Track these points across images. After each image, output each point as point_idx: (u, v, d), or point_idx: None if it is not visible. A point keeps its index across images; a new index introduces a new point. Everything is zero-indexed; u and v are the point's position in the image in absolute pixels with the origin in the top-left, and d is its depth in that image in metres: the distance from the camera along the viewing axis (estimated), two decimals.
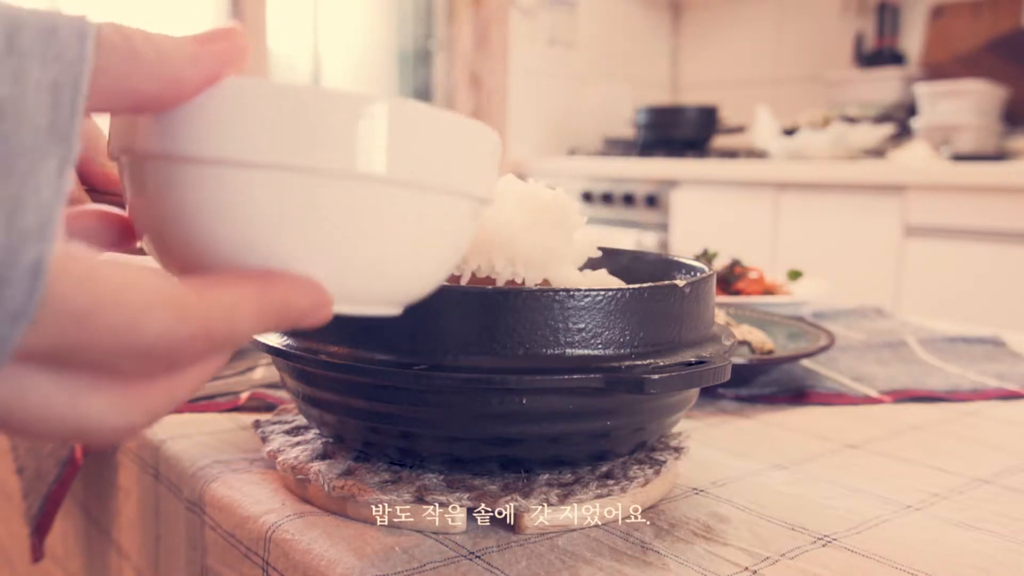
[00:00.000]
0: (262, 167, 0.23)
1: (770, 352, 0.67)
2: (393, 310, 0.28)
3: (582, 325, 0.36)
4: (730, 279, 0.93)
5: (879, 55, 2.49)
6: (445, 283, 0.34)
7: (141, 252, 0.28)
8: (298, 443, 0.43)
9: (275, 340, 0.39)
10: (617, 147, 2.72)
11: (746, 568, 0.35)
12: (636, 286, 0.38)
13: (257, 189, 0.23)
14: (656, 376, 0.35)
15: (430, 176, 0.26)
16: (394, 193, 0.25)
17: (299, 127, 0.23)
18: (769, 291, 0.93)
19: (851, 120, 2.31)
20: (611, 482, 0.39)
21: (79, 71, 0.19)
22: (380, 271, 0.26)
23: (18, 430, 0.21)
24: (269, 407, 0.54)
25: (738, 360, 0.60)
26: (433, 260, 0.28)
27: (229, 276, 0.23)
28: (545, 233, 0.41)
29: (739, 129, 2.51)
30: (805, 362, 0.70)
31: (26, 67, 0.19)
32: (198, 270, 0.25)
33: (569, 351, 0.36)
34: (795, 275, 0.99)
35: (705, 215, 2.31)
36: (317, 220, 0.24)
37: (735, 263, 0.95)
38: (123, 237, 0.29)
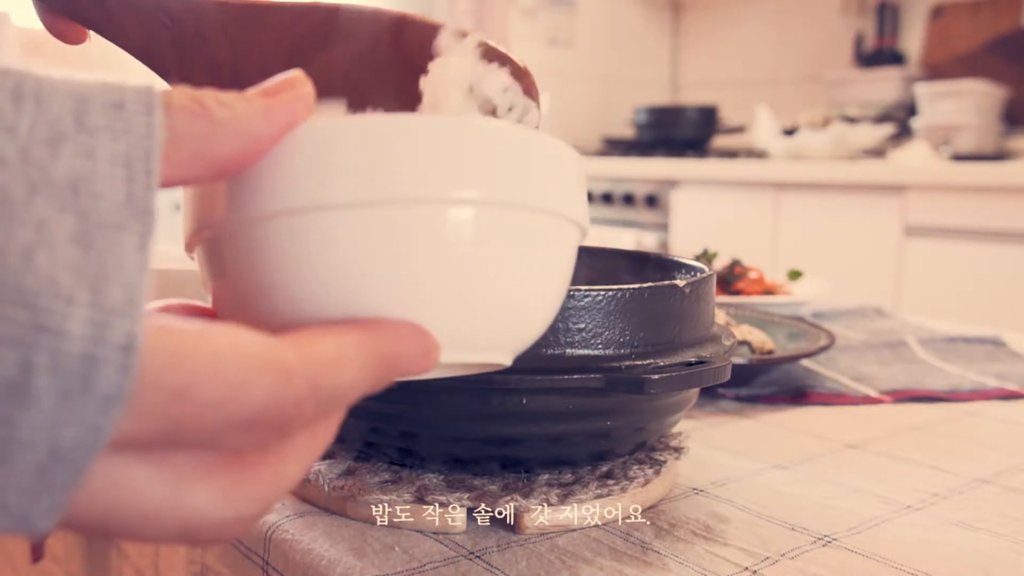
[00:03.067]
0: (349, 207, 0.22)
1: (770, 352, 0.67)
2: (504, 358, 0.27)
3: (582, 325, 0.36)
4: (730, 279, 0.93)
5: (879, 55, 2.49)
6: None
7: None
8: None
9: None
10: (617, 147, 2.72)
11: (746, 568, 0.35)
12: (636, 286, 0.38)
13: (348, 230, 0.22)
14: (656, 376, 0.35)
15: (526, 196, 0.24)
16: (491, 216, 0.23)
17: (384, 160, 0.22)
18: (769, 291, 0.93)
19: (851, 120, 2.31)
20: (611, 482, 0.39)
21: (149, 144, 0.19)
22: (486, 308, 0.24)
23: (117, 532, 0.20)
24: None
25: (738, 360, 0.60)
26: (539, 293, 0.26)
27: (330, 328, 0.22)
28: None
29: (739, 129, 2.51)
30: (805, 362, 0.70)
31: (97, 143, 0.18)
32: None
33: (569, 351, 0.36)
34: (795, 275, 0.99)
35: (705, 215, 2.31)
36: (416, 256, 0.23)
37: (735, 263, 0.95)
38: None
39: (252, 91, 0.22)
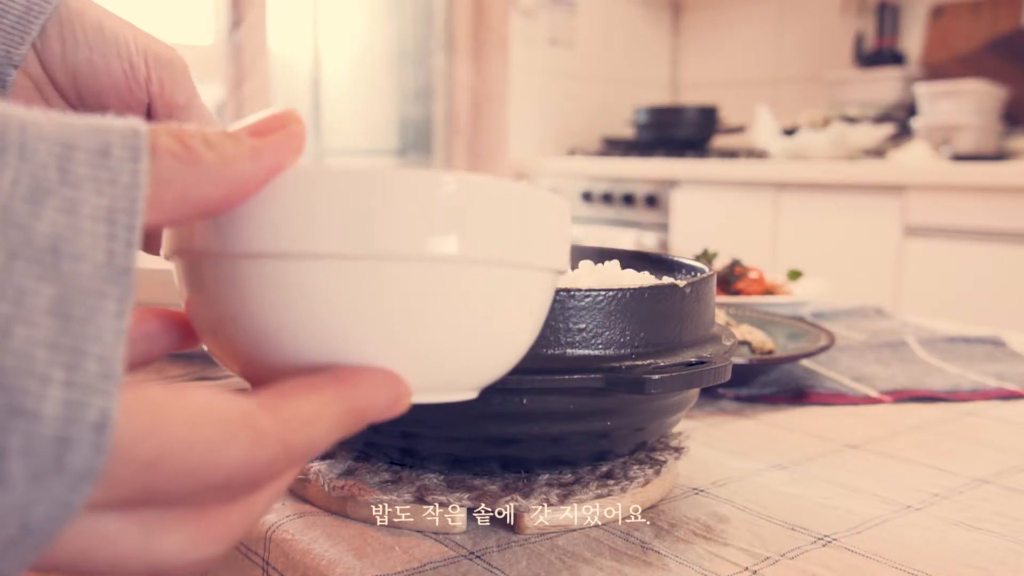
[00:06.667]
0: (331, 257, 0.22)
1: (770, 352, 0.67)
2: (470, 394, 0.27)
3: (582, 325, 0.36)
4: (730, 279, 0.93)
5: (879, 55, 2.49)
6: None
7: (203, 352, 0.27)
8: None
9: None
10: (617, 147, 2.72)
11: (746, 568, 0.35)
12: (636, 286, 0.38)
13: (328, 280, 0.22)
14: (656, 376, 0.35)
15: (502, 252, 0.24)
16: (467, 273, 0.24)
17: (367, 213, 0.22)
18: (769, 291, 0.93)
19: (851, 120, 2.31)
20: (611, 482, 0.39)
21: (134, 196, 0.18)
22: (458, 356, 0.25)
23: (88, 574, 0.20)
24: None
25: (738, 360, 0.60)
26: (511, 338, 0.27)
27: (303, 385, 0.22)
28: None
29: (739, 129, 2.51)
30: (805, 362, 0.70)
31: (81, 196, 0.18)
32: (265, 368, 0.24)
33: (569, 351, 0.36)
34: (795, 275, 0.99)
35: (705, 215, 2.31)
36: (392, 308, 0.23)
37: (735, 263, 0.95)
38: (184, 338, 0.28)
39: (243, 128, 0.22)
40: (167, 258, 0.26)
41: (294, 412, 0.21)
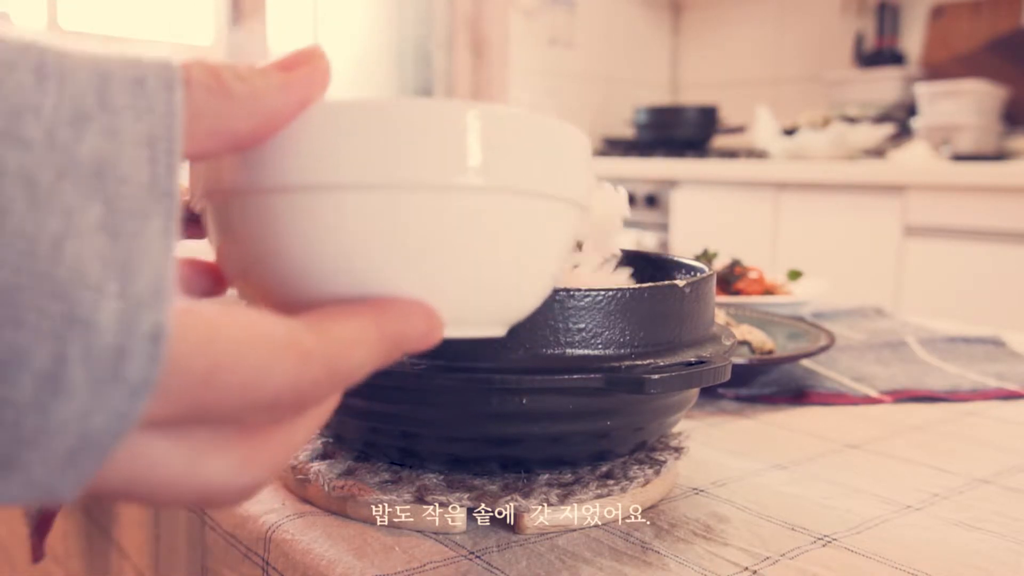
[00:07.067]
0: (359, 188, 0.23)
1: (770, 352, 0.67)
2: (499, 330, 0.28)
3: (582, 325, 0.36)
4: (730, 279, 0.93)
5: (879, 55, 2.49)
6: None
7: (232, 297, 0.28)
8: None
9: None
10: (617, 147, 2.72)
11: (746, 568, 0.35)
12: (636, 286, 0.38)
13: (356, 211, 0.23)
14: (656, 376, 0.35)
15: (529, 181, 0.25)
16: (494, 202, 0.24)
17: (393, 143, 0.23)
18: (769, 291, 0.93)
19: (851, 120, 2.31)
20: (611, 482, 0.39)
21: (171, 123, 0.19)
22: (485, 287, 0.25)
23: (137, 500, 0.20)
24: None
25: (738, 360, 0.60)
26: (538, 272, 0.27)
27: (343, 309, 0.22)
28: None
29: (739, 129, 2.51)
30: (805, 362, 0.70)
31: (120, 122, 0.18)
32: (297, 307, 0.24)
33: (569, 351, 0.36)
34: (795, 275, 0.99)
35: (705, 215, 2.31)
36: (419, 237, 0.23)
37: (735, 263, 0.95)
38: (215, 283, 0.28)
39: (271, 64, 0.22)
40: (197, 206, 0.26)
41: (338, 333, 0.21)
